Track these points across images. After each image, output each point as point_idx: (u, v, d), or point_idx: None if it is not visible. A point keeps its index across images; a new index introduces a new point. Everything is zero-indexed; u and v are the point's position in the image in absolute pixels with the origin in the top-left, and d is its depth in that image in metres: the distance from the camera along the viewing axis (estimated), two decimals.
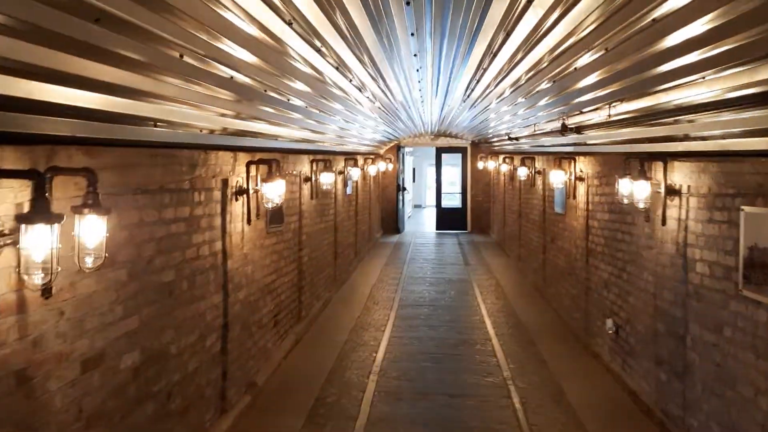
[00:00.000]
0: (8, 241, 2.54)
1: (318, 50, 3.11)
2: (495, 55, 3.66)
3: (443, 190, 21.50)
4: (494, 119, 8.29)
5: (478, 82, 5.13)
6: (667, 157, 4.99)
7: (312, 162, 8.65)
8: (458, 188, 21.45)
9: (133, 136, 3.45)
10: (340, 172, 11.45)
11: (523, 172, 11.98)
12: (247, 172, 5.43)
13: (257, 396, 5.93)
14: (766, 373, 3.73)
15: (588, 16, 2.38)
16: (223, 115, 3.96)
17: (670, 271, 5.12)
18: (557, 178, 8.69)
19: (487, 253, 15.91)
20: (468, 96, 6.40)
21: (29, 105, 2.22)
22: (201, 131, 4.20)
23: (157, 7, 1.87)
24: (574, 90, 4.03)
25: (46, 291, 2.72)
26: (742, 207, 4.02)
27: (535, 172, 11.56)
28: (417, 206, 29.82)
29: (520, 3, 2.47)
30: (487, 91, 5.53)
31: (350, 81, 4.56)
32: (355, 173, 12.34)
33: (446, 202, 21.61)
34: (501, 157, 15.39)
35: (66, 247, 2.68)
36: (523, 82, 4.41)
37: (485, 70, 4.36)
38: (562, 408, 5.86)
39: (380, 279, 12.38)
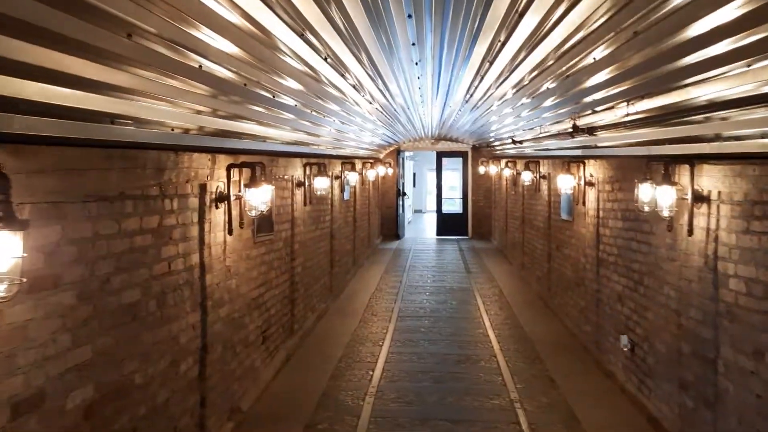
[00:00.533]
0: None
1: (312, 46, 2.91)
2: (497, 55, 3.50)
3: (444, 195, 21.05)
4: (496, 122, 7.94)
5: (480, 81, 4.95)
6: (694, 160, 4.49)
7: (305, 166, 8.14)
8: (459, 193, 21.06)
9: (83, 134, 2.94)
10: (337, 177, 10.96)
11: (527, 177, 11.49)
12: (228, 176, 4.91)
13: (241, 423, 5.40)
14: None
15: (599, 7, 2.18)
16: (198, 112, 3.54)
17: (698, 287, 4.61)
18: (565, 183, 8.17)
19: (489, 260, 15.40)
20: (469, 97, 6.07)
21: None
22: (173, 130, 3.73)
23: None
24: (586, 88, 3.71)
25: None
26: None
27: (539, 177, 11.07)
28: (417, 211, 29.40)
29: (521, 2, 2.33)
30: (489, 93, 5.29)
31: (347, 81, 4.34)
32: (352, 178, 11.84)
33: (447, 208, 21.15)
34: (503, 161, 14.95)
35: None
36: (527, 82, 4.15)
37: (486, 71, 4.16)
38: None
39: (379, 288, 11.86)
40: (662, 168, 4.61)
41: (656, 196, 4.66)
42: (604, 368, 6.91)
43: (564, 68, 3.46)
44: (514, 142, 9.18)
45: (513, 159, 13.63)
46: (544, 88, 4.34)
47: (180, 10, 2.03)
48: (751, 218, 3.89)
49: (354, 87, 4.69)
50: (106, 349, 3.31)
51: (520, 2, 2.41)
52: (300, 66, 3.30)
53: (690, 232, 4.58)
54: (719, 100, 2.87)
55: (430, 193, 28.97)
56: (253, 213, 4.88)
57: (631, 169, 6.09)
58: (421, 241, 19.37)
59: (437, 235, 20.13)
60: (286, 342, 7.33)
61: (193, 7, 2.03)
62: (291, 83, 3.64)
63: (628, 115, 4.12)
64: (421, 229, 23.05)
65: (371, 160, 15.18)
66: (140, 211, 3.70)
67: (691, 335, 4.74)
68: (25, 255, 2.21)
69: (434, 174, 21.96)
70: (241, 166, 5.06)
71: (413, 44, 3.56)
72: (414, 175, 28.74)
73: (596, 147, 6.37)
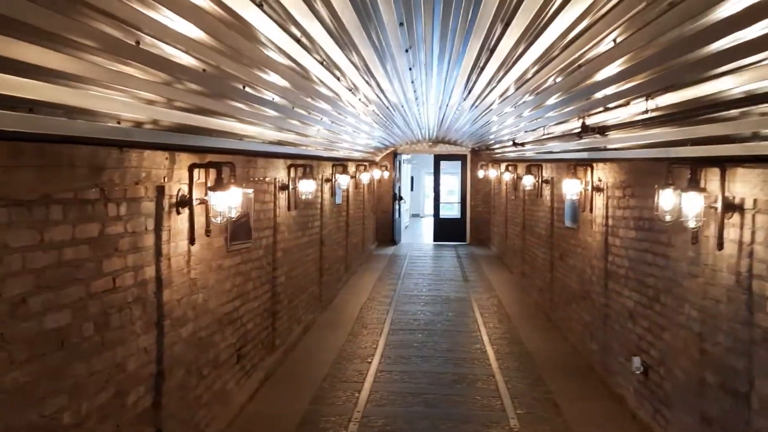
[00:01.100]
0: None
1: (298, 40, 2.69)
2: (496, 45, 3.20)
3: (442, 199, 20.44)
4: (496, 122, 7.47)
5: (478, 77, 4.56)
6: (725, 163, 3.90)
7: (290, 167, 7.54)
8: (457, 198, 20.46)
9: None
10: (328, 180, 10.36)
11: (528, 181, 10.90)
12: (190, 177, 4.31)
13: None
14: None
15: None
16: (151, 102, 3.01)
17: (727, 309, 4.01)
18: (571, 188, 7.57)
19: (488, 267, 14.80)
20: (468, 94, 5.62)
21: None
22: (119, 123, 3.16)
23: None
24: (597, 81, 3.30)
25: None
26: None
27: (542, 181, 10.48)
28: (415, 215, 28.82)
29: None
30: (490, 87, 4.97)
31: (338, 79, 4.04)
32: (344, 181, 11.24)
33: (444, 213, 20.56)
34: (503, 165, 14.39)
35: None
36: (529, 75, 3.81)
37: (485, 63, 3.84)
38: None
39: (371, 297, 11.26)
40: (688, 172, 4.02)
41: (680, 203, 4.06)
42: (612, 391, 6.31)
43: (571, 59, 3.02)
44: (515, 144, 8.66)
45: (514, 162, 13.06)
46: (549, 83, 3.87)
47: None
48: None
49: (341, 82, 4.17)
50: (20, 386, 2.71)
51: None
52: (285, 61, 3.00)
53: (720, 245, 3.98)
54: (759, 92, 2.43)
55: (429, 196, 28.37)
56: (219, 220, 4.27)
57: (646, 173, 5.51)
58: (417, 247, 18.76)
59: (434, 240, 19.52)
60: (265, 359, 6.72)
61: None
62: (274, 78, 3.31)
63: (647, 111, 3.59)
64: (418, 234, 22.44)
65: (366, 163, 14.59)
66: (72, 218, 3.10)
67: (717, 363, 4.14)
68: None
69: (432, 178, 21.38)
70: (206, 166, 4.47)
71: (401, 24, 3.09)
72: (412, 178, 28.18)
73: (606, 149, 5.83)
